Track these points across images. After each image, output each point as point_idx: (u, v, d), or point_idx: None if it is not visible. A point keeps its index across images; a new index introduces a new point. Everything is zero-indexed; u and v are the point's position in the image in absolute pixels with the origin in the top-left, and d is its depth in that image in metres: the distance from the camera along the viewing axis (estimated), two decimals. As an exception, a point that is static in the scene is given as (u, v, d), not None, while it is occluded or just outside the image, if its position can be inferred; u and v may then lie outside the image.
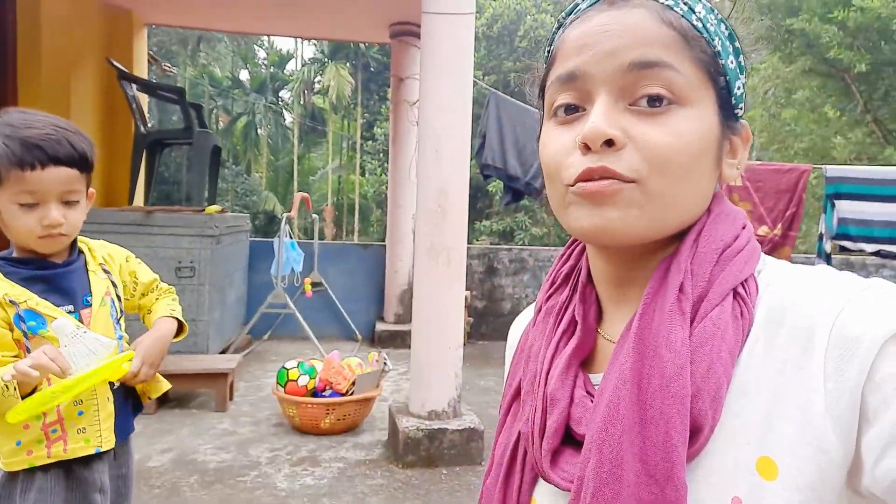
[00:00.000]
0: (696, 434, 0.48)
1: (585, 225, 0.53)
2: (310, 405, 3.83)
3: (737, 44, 0.56)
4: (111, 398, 1.39)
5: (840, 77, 11.48)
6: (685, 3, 0.53)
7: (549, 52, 0.60)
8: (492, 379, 5.41)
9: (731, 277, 0.53)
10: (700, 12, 0.54)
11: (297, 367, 3.96)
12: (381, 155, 18.14)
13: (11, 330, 1.28)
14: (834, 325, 0.47)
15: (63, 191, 1.27)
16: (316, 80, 23.87)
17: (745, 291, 0.53)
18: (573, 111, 0.54)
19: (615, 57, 0.52)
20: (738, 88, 0.56)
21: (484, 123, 5.28)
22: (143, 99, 5.97)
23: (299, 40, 24.55)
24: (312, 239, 6.51)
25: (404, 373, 5.13)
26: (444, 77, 3.28)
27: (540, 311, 0.65)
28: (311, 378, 3.92)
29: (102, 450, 1.37)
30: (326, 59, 22.57)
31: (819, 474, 0.46)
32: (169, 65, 9.06)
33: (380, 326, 6.48)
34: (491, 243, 13.67)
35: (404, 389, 4.68)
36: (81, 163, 1.29)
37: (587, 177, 0.52)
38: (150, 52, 7.10)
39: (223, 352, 5.21)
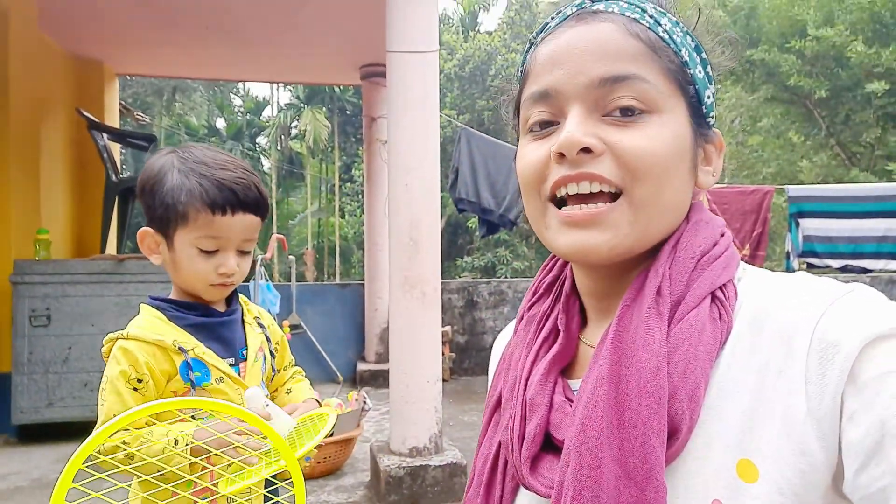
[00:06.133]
0: (675, 434, 0.48)
1: (568, 245, 0.54)
2: (288, 449, 3.74)
3: (703, 55, 0.57)
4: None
5: (802, 103, 11.88)
6: (651, 17, 0.55)
7: (521, 70, 0.60)
8: (475, 414, 5.34)
9: (709, 282, 0.53)
10: (666, 25, 0.55)
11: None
12: (360, 196, 18.27)
13: (168, 381, 1.14)
14: (815, 329, 0.47)
15: (244, 239, 1.19)
16: (292, 125, 24.08)
17: (724, 295, 0.53)
18: (548, 126, 0.55)
19: (585, 73, 0.53)
20: (708, 98, 0.57)
21: (456, 158, 5.36)
22: (115, 148, 5.95)
23: (275, 87, 24.83)
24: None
25: (386, 412, 5.04)
26: (411, 112, 3.34)
27: (521, 319, 0.65)
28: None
29: None
30: (302, 105, 22.80)
31: (800, 477, 0.45)
32: (142, 114, 9.10)
33: (361, 366, 6.40)
34: (473, 279, 13.68)
35: (387, 429, 4.59)
36: (264, 210, 1.22)
37: (563, 182, 0.52)
38: (123, 103, 7.13)
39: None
